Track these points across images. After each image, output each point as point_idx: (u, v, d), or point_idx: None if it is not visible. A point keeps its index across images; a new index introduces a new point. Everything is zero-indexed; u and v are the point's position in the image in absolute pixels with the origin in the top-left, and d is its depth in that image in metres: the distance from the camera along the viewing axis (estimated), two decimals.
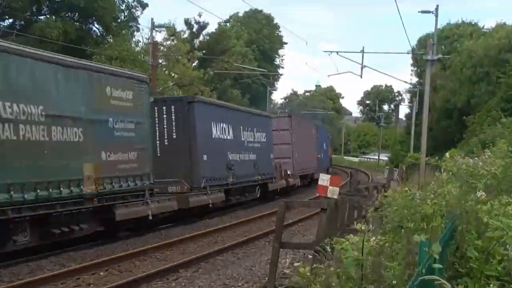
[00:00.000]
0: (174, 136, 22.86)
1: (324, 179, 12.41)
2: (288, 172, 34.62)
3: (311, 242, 14.57)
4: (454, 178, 8.02)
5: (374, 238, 5.57)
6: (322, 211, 12.32)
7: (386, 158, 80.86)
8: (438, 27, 39.70)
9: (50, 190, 14.91)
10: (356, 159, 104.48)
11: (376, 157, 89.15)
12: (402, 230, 5.73)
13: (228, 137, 26.70)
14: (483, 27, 65.76)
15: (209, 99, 32.28)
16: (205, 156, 23.78)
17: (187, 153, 22.85)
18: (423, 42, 57.32)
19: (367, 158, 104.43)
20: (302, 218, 25.02)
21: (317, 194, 13.09)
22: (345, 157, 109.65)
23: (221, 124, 25.80)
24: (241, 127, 28.36)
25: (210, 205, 24.01)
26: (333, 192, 12.12)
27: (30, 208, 14.37)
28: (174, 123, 22.85)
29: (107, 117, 17.64)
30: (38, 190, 14.46)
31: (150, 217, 19.25)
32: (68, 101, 15.79)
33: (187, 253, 17.08)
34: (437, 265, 4.12)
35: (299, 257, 15.76)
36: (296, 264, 14.39)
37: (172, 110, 22.85)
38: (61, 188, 15.29)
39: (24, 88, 14.22)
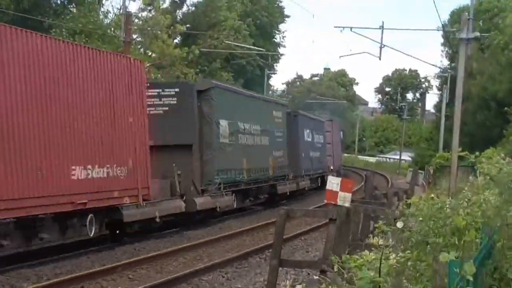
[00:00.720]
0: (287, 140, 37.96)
1: (333, 182, 12.43)
2: (331, 167, 51.22)
3: (317, 259, 14.60)
4: (492, 184, 8.04)
5: (394, 255, 5.57)
6: (331, 221, 12.36)
7: (409, 158, 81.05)
8: None
9: (256, 173, 31.86)
10: (372, 159, 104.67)
11: (397, 157, 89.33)
12: (428, 246, 5.75)
13: (309, 140, 44.05)
14: None
15: (305, 112, 47.96)
16: (303, 154, 41.23)
17: (294, 152, 38.85)
18: (456, 17, 57.47)
19: (386, 158, 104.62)
20: (306, 231, 25.08)
21: (325, 201, 13.09)
22: (360, 157, 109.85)
23: (307, 130, 43.30)
24: (314, 131, 45.49)
25: (306, 188, 42.09)
26: (344, 199, 12.14)
27: (248, 184, 31.15)
28: (288, 129, 38.27)
29: (273, 129, 35.14)
30: (251, 174, 31.04)
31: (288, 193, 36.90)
32: (262, 120, 32.97)
33: (166, 272, 17.10)
34: None
35: (302, 277, 15.78)
36: (298, 287, 14.43)
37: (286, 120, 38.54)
38: (261, 173, 32.55)
39: (246, 114, 30.84)
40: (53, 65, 17.36)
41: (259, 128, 32.39)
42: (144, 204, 21.44)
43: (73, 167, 17.97)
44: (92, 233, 19.21)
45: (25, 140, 16.14)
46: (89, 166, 18.67)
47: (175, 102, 25.27)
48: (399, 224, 6.14)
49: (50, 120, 17.06)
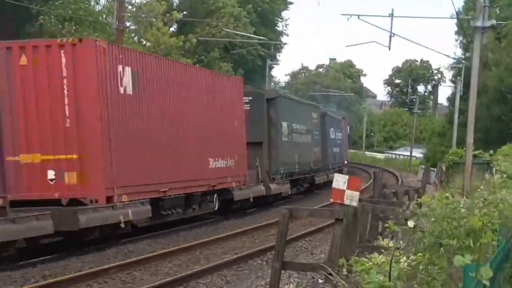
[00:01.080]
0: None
1: (339, 181, 12.42)
2: (345, 162, 61.73)
3: (322, 262, 14.61)
4: (510, 182, 8.04)
5: (405, 258, 5.56)
6: (337, 222, 12.37)
7: (420, 155, 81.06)
8: None
9: (303, 166, 40.11)
10: (381, 156, 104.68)
11: (407, 153, 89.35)
12: (441, 249, 5.74)
13: (333, 137, 53.37)
14: None
15: (331, 111, 60.95)
16: (329, 150, 50.43)
17: (324, 148, 48.11)
18: (471, 4, 57.33)
19: (396, 154, 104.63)
20: (310, 231, 25.10)
21: (331, 200, 13.09)
22: (367, 153, 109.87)
23: (331, 128, 52.46)
24: (335, 129, 54.76)
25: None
26: (352, 197, 12.14)
27: (298, 174, 39.84)
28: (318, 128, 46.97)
29: (313, 128, 44.36)
30: (300, 167, 39.52)
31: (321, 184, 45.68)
32: (306, 122, 42.28)
33: (161, 275, 17.12)
34: None
35: (306, 281, 15.82)
36: None
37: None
38: (306, 166, 41.16)
39: (296, 117, 39.35)
40: (207, 90, 27.24)
41: (305, 128, 42.04)
42: (245, 187, 30.58)
43: (209, 159, 27.35)
44: (216, 207, 28.42)
45: (187, 143, 25.30)
46: (216, 159, 27.95)
47: (248, 107, 32.48)
48: (411, 223, 6.14)
49: (201, 129, 26.43)
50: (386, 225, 6.72)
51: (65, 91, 19.76)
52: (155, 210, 22.83)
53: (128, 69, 21.30)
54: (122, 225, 20.35)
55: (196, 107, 26.10)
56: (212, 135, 27.30)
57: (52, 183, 19.72)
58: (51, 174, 19.71)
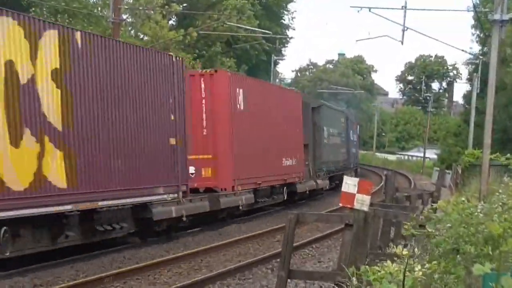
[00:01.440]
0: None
1: (349, 183, 12.40)
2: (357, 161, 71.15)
3: (330, 270, 14.61)
4: None
5: (419, 266, 5.55)
6: (347, 227, 12.35)
7: (434, 156, 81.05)
8: None
9: (336, 165, 49.26)
10: (392, 157, 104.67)
11: (420, 154, 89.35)
12: (458, 256, 5.74)
13: (352, 139, 61.62)
14: None
15: (352, 111, 74.63)
16: (350, 150, 58.68)
17: (347, 149, 55.53)
18: None
19: (408, 156, 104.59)
20: (318, 238, 25.11)
21: (340, 205, 13.09)
22: (378, 154, 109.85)
23: (351, 130, 60.29)
24: (352, 130, 62.47)
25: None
26: (362, 202, 12.12)
27: (331, 172, 47.24)
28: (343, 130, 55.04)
29: (341, 131, 53.69)
30: (334, 165, 48.69)
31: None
32: (337, 125, 52.21)
33: (159, 284, 17.14)
34: None
35: None
36: None
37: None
38: (337, 165, 50.17)
39: (332, 122, 49.82)
40: (281, 103, 35.17)
41: (336, 131, 51.06)
42: (303, 182, 38.21)
43: (283, 159, 35.26)
44: (285, 197, 36.08)
45: (273, 145, 33.41)
46: (287, 158, 35.83)
47: None
48: (431, 226, 6.12)
49: (279, 134, 34.12)
50: (404, 231, 6.70)
51: (203, 108, 28.23)
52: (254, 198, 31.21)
53: (241, 91, 29.93)
54: (241, 208, 29.52)
55: (277, 117, 34.19)
56: (284, 139, 35.20)
57: (192, 176, 26.60)
58: (191, 169, 26.62)
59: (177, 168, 24.22)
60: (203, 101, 28.19)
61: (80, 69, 19.40)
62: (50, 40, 18.28)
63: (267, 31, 58.60)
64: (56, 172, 18.31)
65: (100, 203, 20.13)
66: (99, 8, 43.56)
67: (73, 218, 19.40)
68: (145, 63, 22.66)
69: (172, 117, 24.12)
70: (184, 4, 57.50)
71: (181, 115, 24.72)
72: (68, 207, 18.91)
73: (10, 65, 16.90)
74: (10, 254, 17.34)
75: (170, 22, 55.35)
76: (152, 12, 46.69)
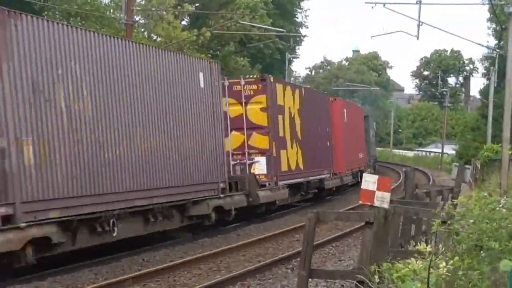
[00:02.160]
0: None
1: (369, 181, 12.37)
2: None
3: (352, 269, 14.61)
4: None
5: (444, 263, 5.55)
6: (367, 225, 12.34)
7: (453, 152, 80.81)
8: None
9: (372, 159, 61.85)
10: (410, 153, 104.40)
11: (438, 150, 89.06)
12: (482, 252, 5.75)
13: (370, 136, 63.09)
14: None
15: (368, 108, 78.25)
16: (371, 147, 61.46)
17: (365, 145, 57.36)
18: None
19: (426, 152, 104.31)
20: (338, 236, 25.09)
21: (360, 202, 13.08)
22: (395, 151, 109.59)
23: (370, 128, 62.71)
24: (371, 127, 64.44)
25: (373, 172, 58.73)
26: (383, 199, 12.10)
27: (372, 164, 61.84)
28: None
29: (370, 131, 61.39)
30: (373, 159, 63.23)
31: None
32: (370, 126, 62.87)
33: (179, 285, 17.18)
34: None
35: None
36: None
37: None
38: (372, 158, 63.07)
39: (370, 123, 63.13)
40: (355, 112, 51.71)
41: (370, 132, 60.45)
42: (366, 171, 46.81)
43: (359, 153, 50.02)
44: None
45: (359, 143, 51.95)
46: (360, 153, 50.57)
47: None
48: (455, 223, 6.12)
49: (357, 136, 50.97)
50: (432, 228, 6.70)
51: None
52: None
53: (345, 110, 45.13)
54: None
55: (358, 124, 50.56)
56: (358, 138, 50.21)
57: None
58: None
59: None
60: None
61: None
62: None
63: (280, 30, 58.47)
64: None
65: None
66: (112, 10, 43.61)
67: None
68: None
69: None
70: (197, 4, 57.47)
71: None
72: None
73: None
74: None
75: (183, 22, 55.35)
76: (164, 12, 46.72)
